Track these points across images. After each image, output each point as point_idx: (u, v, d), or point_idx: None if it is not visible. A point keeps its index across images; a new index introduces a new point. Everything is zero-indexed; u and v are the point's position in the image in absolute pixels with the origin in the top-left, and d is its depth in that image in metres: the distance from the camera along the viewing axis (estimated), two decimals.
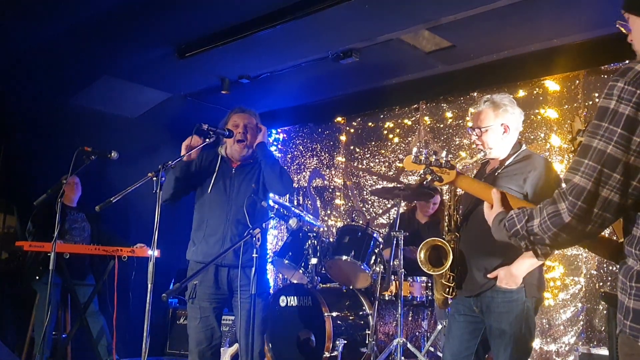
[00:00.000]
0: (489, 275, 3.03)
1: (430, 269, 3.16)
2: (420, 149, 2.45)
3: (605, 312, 4.87)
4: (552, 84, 5.58)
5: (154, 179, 3.34)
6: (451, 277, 3.12)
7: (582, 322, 5.09)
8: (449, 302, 3.21)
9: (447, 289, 3.13)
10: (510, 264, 3.02)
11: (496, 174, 3.18)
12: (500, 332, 2.98)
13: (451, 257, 3.06)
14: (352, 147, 7.20)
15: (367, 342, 4.98)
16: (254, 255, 3.22)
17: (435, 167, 2.44)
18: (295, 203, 7.32)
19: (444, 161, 2.41)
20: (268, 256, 4.30)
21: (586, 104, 5.34)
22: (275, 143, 7.95)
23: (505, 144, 3.20)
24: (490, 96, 3.23)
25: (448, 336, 3.28)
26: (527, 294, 2.99)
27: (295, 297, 5.18)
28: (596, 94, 5.30)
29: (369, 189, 6.83)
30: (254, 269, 3.23)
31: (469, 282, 3.11)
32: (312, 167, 7.57)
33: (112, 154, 4.50)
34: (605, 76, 5.28)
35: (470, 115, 3.31)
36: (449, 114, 6.33)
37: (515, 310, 2.97)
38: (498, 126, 3.15)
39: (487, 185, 2.33)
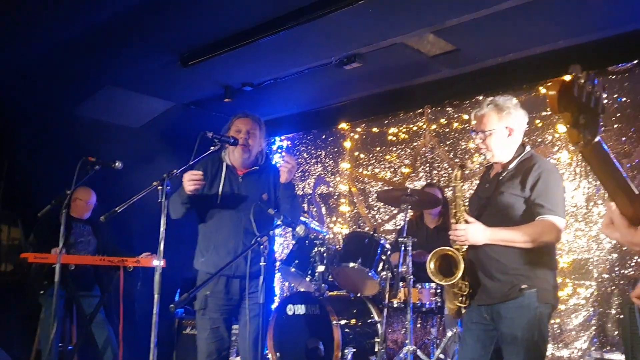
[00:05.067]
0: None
1: (441, 279, 3.11)
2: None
3: (618, 316, 4.81)
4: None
5: (159, 188, 3.31)
6: (463, 286, 3.06)
7: (594, 327, 5.01)
8: (462, 312, 3.15)
9: (461, 298, 3.07)
10: (524, 272, 2.96)
11: (500, 178, 3.14)
12: (512, 338, 2.93)
13: (462, 266, 3.01)
14: (356, 154, 7.15)
15: (376, 350, 4.92)
16: (262, 263, 3.17)
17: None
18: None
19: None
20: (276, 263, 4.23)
21: None
22: (279, 150, 7.91)
23: (509, 147, 3.16)
24: (494, 98, 3.19)
25: (462, 345, 3.24)
26: (539, 300, 2.94)
27: (302, 306, 5.12)
28: (603, 95, 5.23)
29: (375, 195, 6.77)
30: (262, 277, 3.18)
31: (480, 290, 3.06)
32: (317, 174, 7.52)
33: (116, 164, 4.48)
34: (613, 77, 5.23)
35: (474, 118, 3.26)
36: (454, 118, 6.28)
37: (527, 316, 2.93)
38: (502, 129, 3.11)
39: (617, 169, 1.49)
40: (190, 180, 3.57)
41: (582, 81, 1.28)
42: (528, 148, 3.18)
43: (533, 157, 3.13)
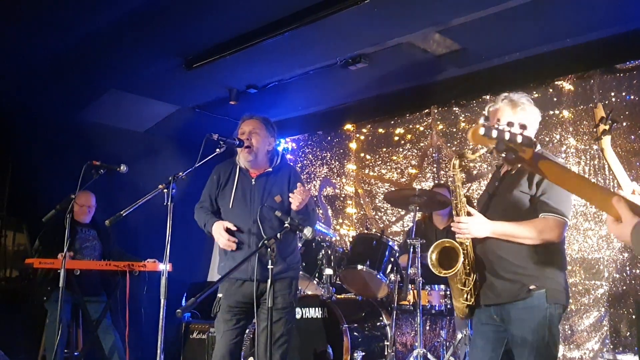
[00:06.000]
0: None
1: (441, 271, 3.06)
2: (488, 118, 2.00)
3: (630, 316, 4.75)
4: (566, 85, 5.48)
5: (165, 191, 3.28)
6: (467, 281, 3.02)
7: (606, 328, 4.95)
8: (467, 311, 3.10)
9: (466, 295, 3.03)
10: (532, 272, 2.92)
11: (509, 175, 3.11)
12: (523, 340, 2.89)
13: (461, 257, 2.96)
14: (362, 155, 7.11)
15: (385, 353, 4.87)
16: (270, 267, 3.13)
17: (510, 143, 1.96)
18: None
19: (521, 134, 1.96)
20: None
21: (602, 103, 5.21)
22: (284, 152, 7.87)
23: None
24: (508, 94, 3.14)
25: (472, 347, 3.19)
26: (549, 300, 2.89)
27: (310, 309, 5.07)
28: (612, 93, 5.19)
29: (382, 196, 6.72)
30: (269, 281, 3.13)
31: (488, 289, 3.02)
32: (323, 176, 7.48)
33: (122, 168, 4.46)
34: (621, 75, 5.18)
35: (487, 113, 3.22)
36: (461, 118, 6.23)
37: (537, 317, 2.88)
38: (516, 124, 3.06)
39: (588, 180, 1.95)
40: (223, 240, 3.68)
41: (488, 124, 1.90)
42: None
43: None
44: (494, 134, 1.89)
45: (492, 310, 3.02)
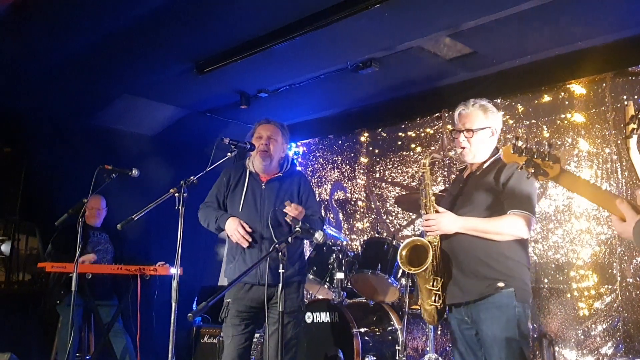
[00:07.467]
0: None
1: (410, 269, 3.10)
2: (519, 137, 2.24)
3: None
4: (578, 88, 5.44)
5: (176, 195, 3.29)
6: (434, 282, 3.06)
7: (619, 333, 4.91)
8: (435, 315, 3.12)
9: (434, 297, 3.05)
10: (502, 270, 2.97)
11: (474, 176, 3.21)
12: (492, 339, 2.93)
13: (431, 254, 3.00)
14: (373, 158, 7.10)
15: (397, 358, 4.85)
16: (280, 271, 3.13)
17: (538, 160, 2.16)
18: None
19: (547, 153, 2.14)
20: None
21: (614, 106, 5.20)
22: (295, 156, 7.88)
23: (488, 148, 3.23)
24: (477, 100, 3.27)
25: (454, 352, 3.22)
26: (517, 299, 2.94)
27: (321, 313, 5.07)
28: (624, 97, 5.15)
29: (392, 200, 6.71)
30: (280, 285, 3.13)
31: (455, 286, 3.06)
32: (333, 180, 7.48)
33: (133, 172, 4.48)
34: (633, 78, 5.14)
35: (457, 117, 3.30)
36: None
37: (506, 316, 2.93)
38: (487, 129, 3.20)
39: (599, 188, 2.22)
40: (238, 235, 3.66)
41: (520, 142, 2.18)
42: (501, 150, 3.19)
43: None
44: (524, 152, 2.15)
45: (463, 312, 3.07)
